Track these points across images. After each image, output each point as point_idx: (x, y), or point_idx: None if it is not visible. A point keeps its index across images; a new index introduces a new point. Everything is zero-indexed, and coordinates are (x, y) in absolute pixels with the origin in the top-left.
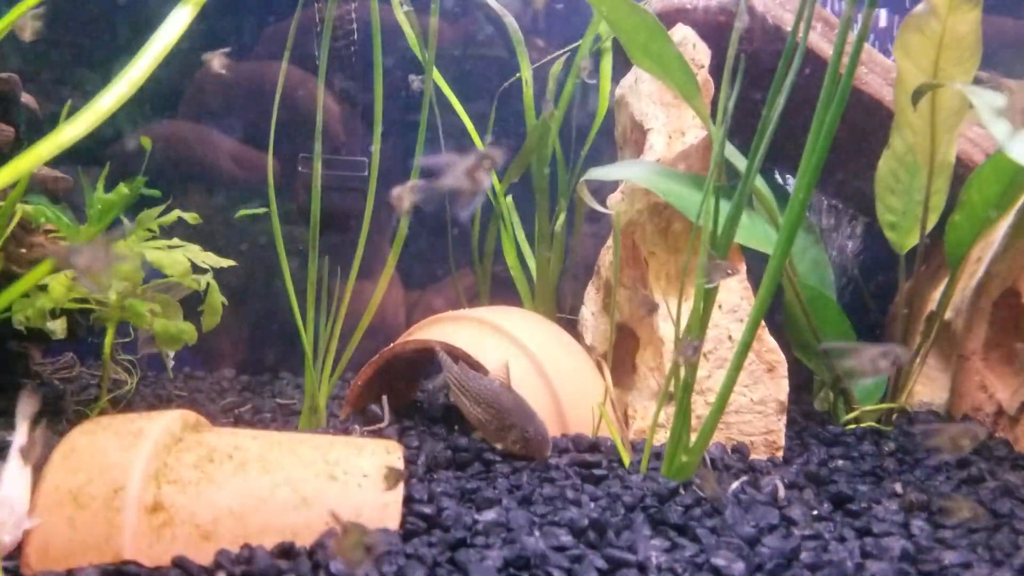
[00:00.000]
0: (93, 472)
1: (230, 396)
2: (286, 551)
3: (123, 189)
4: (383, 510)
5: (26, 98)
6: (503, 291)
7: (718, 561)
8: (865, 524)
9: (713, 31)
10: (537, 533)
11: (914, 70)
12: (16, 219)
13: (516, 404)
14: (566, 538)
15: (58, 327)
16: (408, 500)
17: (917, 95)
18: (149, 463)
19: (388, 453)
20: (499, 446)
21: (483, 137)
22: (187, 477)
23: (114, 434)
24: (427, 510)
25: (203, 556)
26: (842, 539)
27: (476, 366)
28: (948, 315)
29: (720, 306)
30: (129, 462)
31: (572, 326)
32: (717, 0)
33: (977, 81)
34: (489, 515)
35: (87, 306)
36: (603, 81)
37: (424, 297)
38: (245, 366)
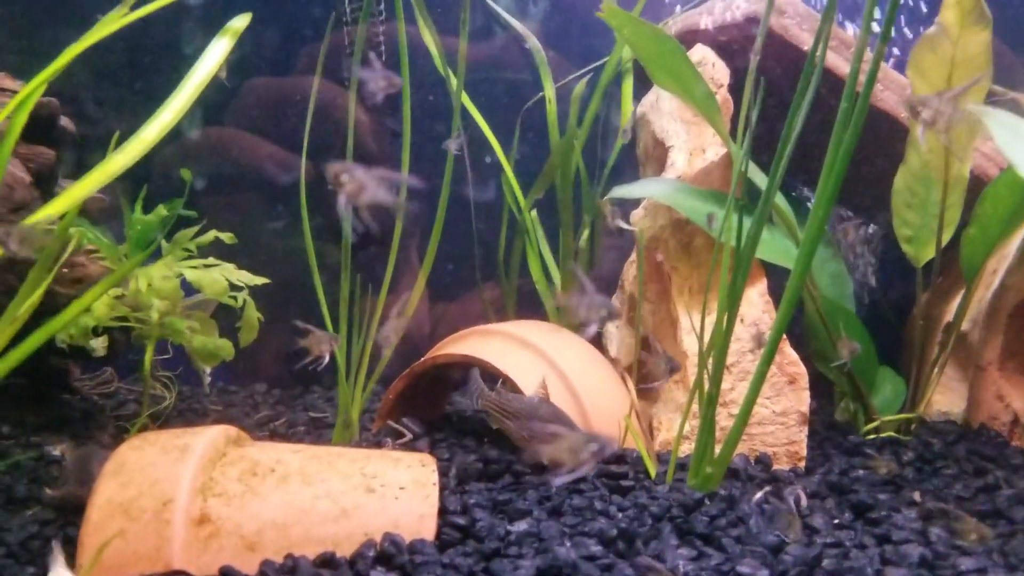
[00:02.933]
0: (143, 486)
1: (264, 410)
2: (327, 561)
3: (161, 211)
4: (419, 521)
5: (64, 121)
6: (528, 304)
7: (743, 569)
8: (885, 532)
9: (728, 49)
10: (568, 543)
11: (927, 88)
12: (72, 245)
13: (555, 416)
14: (596, 548)
15: (99, 345)
16: (443, 512)
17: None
18: (196, 477)
19: (423, 466)
20: (546, 460)
21: (507, 152)
22: (232, 490)
23: (161, 449)
24: (461, 521)
25: (248, 566)
26: (862, 546)
27: (503, 378)
28: (965, 326)
29: (742, 320)
30: (177, 476)
31: (596, 339)
32: (731, 19)
33: (991, 96)
34: (521, 526)
35: (127, 324)
36: (625, 101)
37: (450, 310)
38: (276, 380)
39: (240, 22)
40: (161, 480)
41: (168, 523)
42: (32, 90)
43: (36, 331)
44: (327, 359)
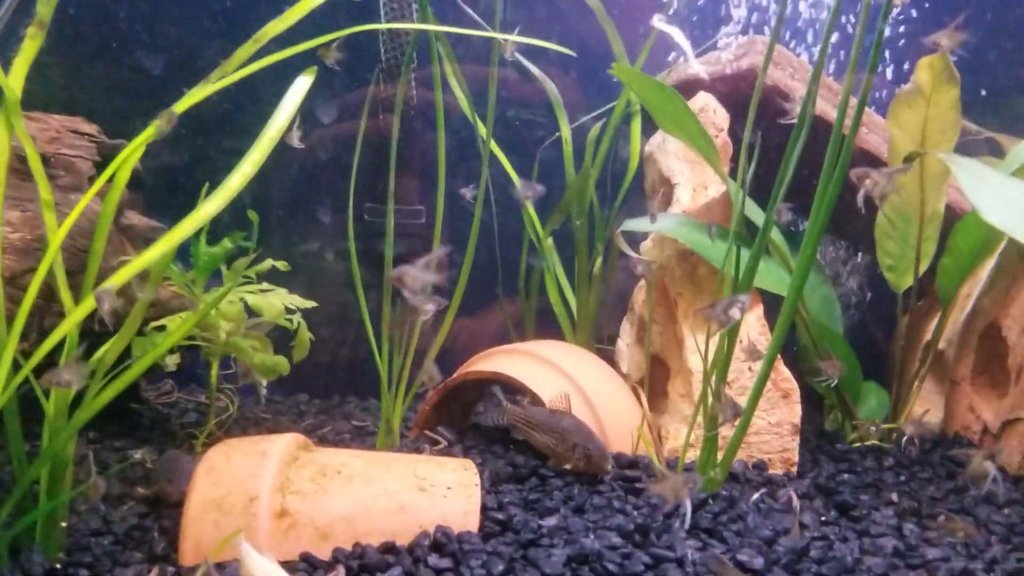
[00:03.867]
0: (231, 485)
1: (308, 419)
2: (390, 548)
3: (226, 243)
4: (464, 516)
5: None
6: (545, 323)
7: (742, 557)
8: (864, 527)
9: (725, 95)
10: (592, 535)
11: (904, 138)
12: (159, 279)
13: (576, 426)
14: (616, 539)
15: (171, 361)
16: (483, 508)
17: (907, 160)
18: (275, 477)
19: (465, 470)
20: (568, 466)
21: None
22: (306, 489)
23: (244, 454)
24: (500, 516)
25: (322, 553)
26: (845, 539)
27: (527, 393)
28: (942, 345)
29: (742, 341)
30: (260, 476)
31: (608, 356)
32: (731, 70)
33: (965, 134)
34: (551, 521)
35: (195, 343)
36: (634, 140)
37: (469, 325)
38: (317, 391)
39: (311, 71)
40: (247, 480)
41: (255, 516)
42: (132, 150)
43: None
44: (431, 314)
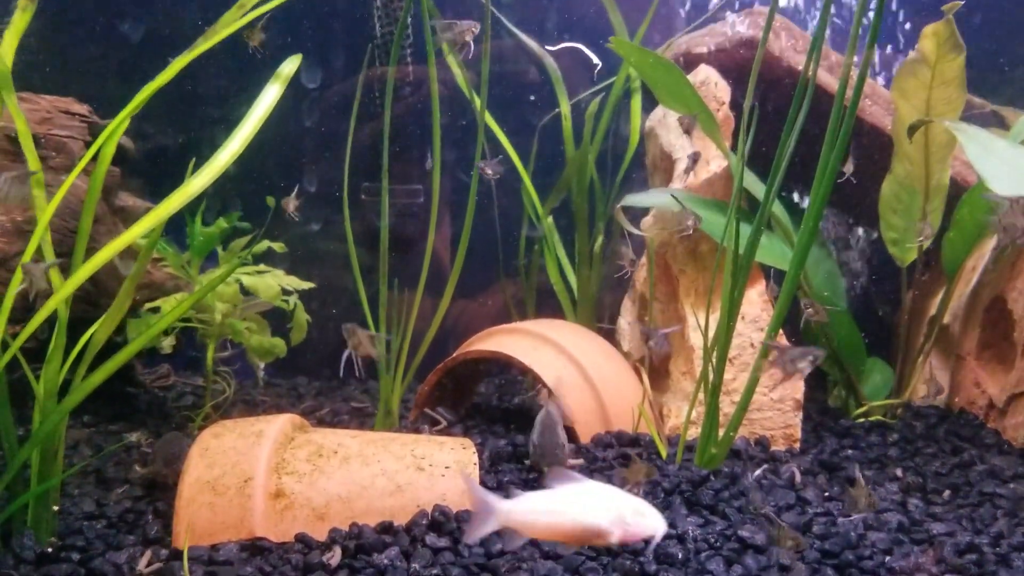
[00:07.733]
0: (226, 466)
1: (308, 400)
2: (387, 528)
3: (221, 224)
4: (463, 496)
5: (124, 140)
6: (546, 302)
7: (743, 533)
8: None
9: (727, 67)
10: None
11: (909, 108)
12: (149, 257)
13: (545, 424)
14: None
15: (167, 343)
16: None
17: (911, 130)
18: (270, 458)
19: (464, 449)
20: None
21: (525, 164)
22: (302, 469)
23: (239, 435)
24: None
25: (319, 533)
26: (848, 515)
27: (528, 372)
28: (946, 319)
29: (743, 317)
30: (255, 457)
31: (609, 335)
32: (731, 42)
33: (970, 108)
34: None
35: (191, 324)
36: (634, 116)
37: (471, 305)
38: (315, 373)
39: (291, 66)
40: (241, 461)
41: (250, 497)
42: (117, 124)
43: (126, 341)
44: None
